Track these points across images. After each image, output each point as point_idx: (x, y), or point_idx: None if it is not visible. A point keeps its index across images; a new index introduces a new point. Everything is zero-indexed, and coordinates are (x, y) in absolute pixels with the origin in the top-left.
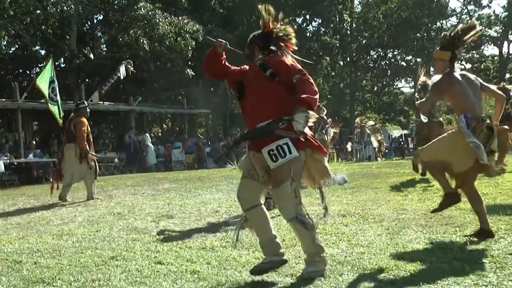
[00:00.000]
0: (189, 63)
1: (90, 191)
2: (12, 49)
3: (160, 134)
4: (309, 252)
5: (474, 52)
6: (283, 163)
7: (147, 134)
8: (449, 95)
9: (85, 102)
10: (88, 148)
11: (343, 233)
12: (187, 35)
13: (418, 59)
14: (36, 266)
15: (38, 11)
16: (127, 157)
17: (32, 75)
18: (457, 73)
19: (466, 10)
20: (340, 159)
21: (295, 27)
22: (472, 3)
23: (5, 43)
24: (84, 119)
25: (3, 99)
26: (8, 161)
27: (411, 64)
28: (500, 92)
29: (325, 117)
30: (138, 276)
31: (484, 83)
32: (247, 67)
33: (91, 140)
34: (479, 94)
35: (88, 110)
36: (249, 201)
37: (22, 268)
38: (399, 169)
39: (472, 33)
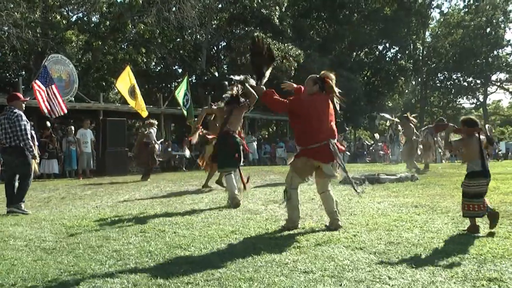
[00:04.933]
0: (291, 80)
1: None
2: (158, 68)
3: (267, 135)
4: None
5: None
6: None
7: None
8: None
9: None
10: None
11: (416, 220)
12: (290, 58)
13: (478, 81)
14: (175, 235)
15: (178, 39)
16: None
17: (171, 88)
18: None
19: None
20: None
21: (377, 53)
22: None
23: (153, 63)
24: None
25: (150, 106)
26: None
27: (472, 84)
28: None
29: (400, 126)
30: (251, 247)
31: None
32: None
33: None
34: None
35: None
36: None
37: (165, 236)
38: (461, 170)
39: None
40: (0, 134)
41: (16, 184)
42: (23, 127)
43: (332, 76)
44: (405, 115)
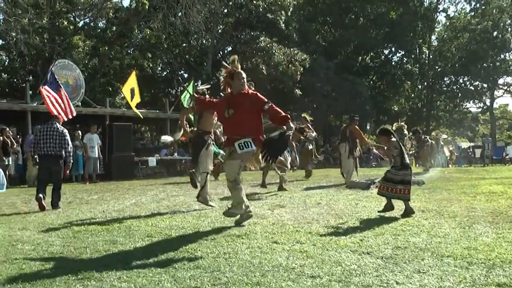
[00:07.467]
0: (298, 85)
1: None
2: (164, 73)
3: None
4: (232, 202)
5: None
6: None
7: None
8: None
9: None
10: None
11: (423, 225)
12: (296, 63)
13: (484, 85)
14: (182, 239)
15: (184, 44)
16: None
17: (177, 93)
18: None
19: None
20: (417, 165)
21: (383, 57)
22: None
23: (159, 68)
24: (356, 126)
25: (157, 111)
26: (159, 157)
27: (478, 88)
28: None
29: (406, 131)
30: (258, 252)
31: None
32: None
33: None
34: None
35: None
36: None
37: (172, 240)
38: (467, 175)
39: None
40: (48, 143)
41: None
42: (70, 141)
43: (234, 60)
44: (303, 115)
